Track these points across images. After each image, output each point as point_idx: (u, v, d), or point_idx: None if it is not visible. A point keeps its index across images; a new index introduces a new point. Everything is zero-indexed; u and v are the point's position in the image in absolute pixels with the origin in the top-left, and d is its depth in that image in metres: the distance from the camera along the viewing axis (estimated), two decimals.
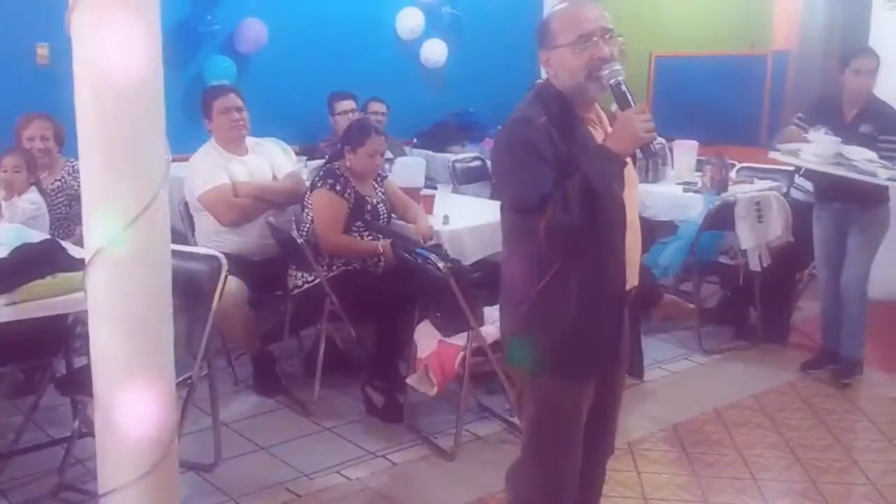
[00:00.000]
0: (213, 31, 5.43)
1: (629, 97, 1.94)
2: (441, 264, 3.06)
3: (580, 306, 1.97)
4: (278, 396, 3.73)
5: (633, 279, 2.09)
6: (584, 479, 2.19)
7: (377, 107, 5.51)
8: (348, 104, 5.37)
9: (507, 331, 2.16)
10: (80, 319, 2.83)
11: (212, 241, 3.77)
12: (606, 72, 1.94)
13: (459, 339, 3.16)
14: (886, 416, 3.60)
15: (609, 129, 2.06)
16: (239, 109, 3.88)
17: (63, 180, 4.00)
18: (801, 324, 4.64)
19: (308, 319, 3.91)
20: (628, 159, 2.02)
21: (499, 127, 6.32)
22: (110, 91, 2.20)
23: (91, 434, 2.92)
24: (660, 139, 5.13)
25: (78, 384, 2.67)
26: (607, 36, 1.97)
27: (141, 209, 2.25)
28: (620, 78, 1.94)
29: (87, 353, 3.05)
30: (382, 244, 3.61)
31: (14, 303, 2.47)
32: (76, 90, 2.24)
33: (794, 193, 4.49)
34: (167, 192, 2.36)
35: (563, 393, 2.05)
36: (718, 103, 6.93)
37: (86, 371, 2.62)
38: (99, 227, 2.27)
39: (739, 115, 7.24)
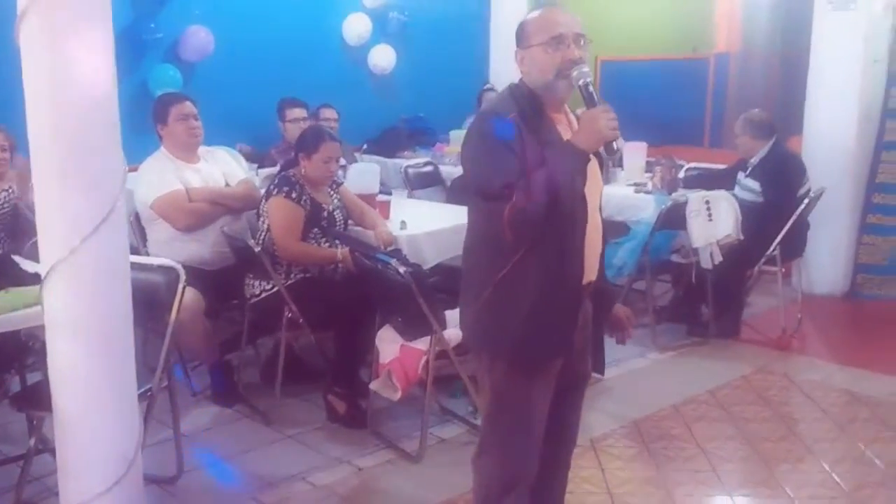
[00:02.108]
0: (156, 39, 5.34)
1: (595, 97, 2.05)
2: (402, 269, 3.06)
3: (538, 295, 2.05)
4: (237, 406, 3.69)
5: (591, 274, 2.17)
6: (548, 470, 2.27)
7: (329, 113, 5.48)
8: (299, 112, 5.33)
9: (467, 317, 2.22)
10: (34, 335, 2.76)
11: (165, 251, 3.70)
12: (575, 72, 2.04)
13: (422, 344, 3.17)
14: (838, 407, 3.71)
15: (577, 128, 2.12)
16: (195, 117, 3.85)
17: (11, 191, 3.89)
18: (751, 319, 4.75)
19: (266, 328, 3.88)
20: (594, 159, 2.10)
21: (450, 132, 6.33)
22: (65, 102, 2.16)
23: (47, 450, 2.86)
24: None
25: (35, 400, 2.61)
26: (579, 41, 2.09)
27: (99, 220, 2.21)
28: (588, 79, 2.05)
29: (42, 369, 2.99)
30: (342, 252, 3.60)
31: None
32: (28, 101, 2.19)
33: (741, 193, 4.61)
34: (125, 203, 2.33)
35: (519, 379, 2.14)
36: (663, 106, 7.08)
37: (42, 386, 2.56)
38: (56, 240, 2.23)
39: (683, 117, 7.42)
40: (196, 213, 3.75)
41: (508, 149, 2.00)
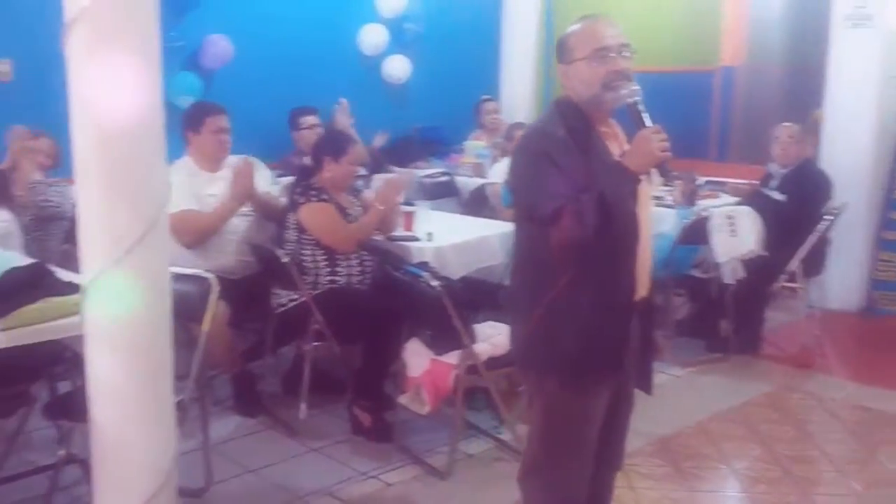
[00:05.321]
0: (178, 47, 5.33)
1: (645, 117, 2.03)
2: (434, 282, 3.05)
3: (590, 315, 2.04)
4: (260, 417, 3.67)
5: (642, 290, 2.16)
6: (593, 490, 2.24)
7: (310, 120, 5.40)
8: (313, 119, 5.35)
9: (517, 336, 2.20)
10: (67, 345, 2.74)
11: (188, 260, 3.68)
12: (625, 91, 2.02)
13: (452, 357, 3.15)
14: (864, 426, 3.69)
15: (624, 143, 2.13)
16: (228, 132, 3.85)
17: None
18: (770, 335, 4.73)
19: (289, 338, 3.86)
20: (644, 177, 2.06)
21: (465, 142, 6.33)
22: (110, 112, 2.15)
23: (76, 461, 2.84)
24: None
25: (68, 410, 2.58)
26: (624, 52, 2.06)
27: (143, 232, 2.20)
28: (638, 98, 2.03)
29: (71, 378, 2.97)
30: (377, 204, 3.68)
31: (4, 329, 2.37)
32: (73, 112, 2.18)
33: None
34: (167, 216, 2.32)
35: (571, 399, 2.11)
36: (669, 118, 7.05)
37: (74, 396, 2.54)
38: (98, 252, 2.21)
39: (689, 130, 7.40)
40: (199, 232, 3.71)
41: (558, 170, 1.98)
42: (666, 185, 4.96)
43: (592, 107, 2.07)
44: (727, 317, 4.58)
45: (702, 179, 5.30)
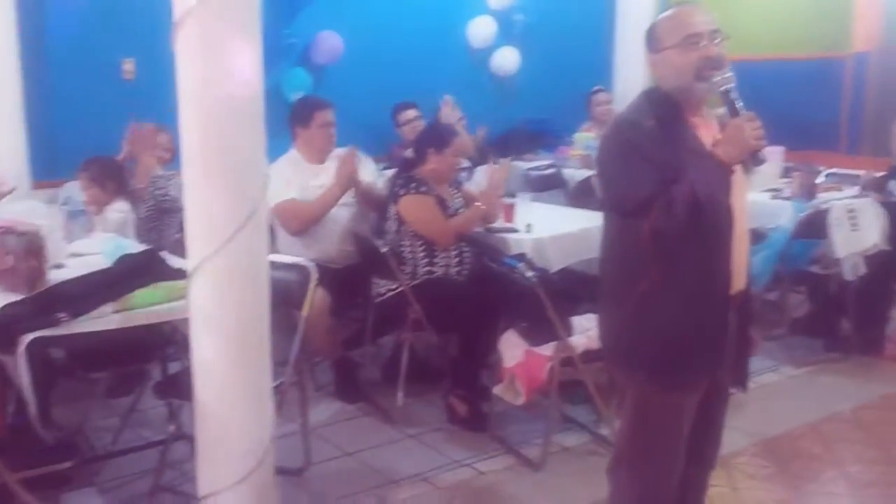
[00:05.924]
0: (290, 44, 5.51)
1: (739, 105, 1.97)
2: (528, 273, 3.03)
3: (683, 309, 2.00)
4: (359, 403, 3.75)
5: (739, 283, 2.08)
6: (685, 488, 2.20)
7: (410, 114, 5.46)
8: (412, 113, 5.41)
9: (607, 331, 2.17)
10: (177, 326, 2.89)
11: (293, 248, 3.81)
12: (718, 78, 1.96)
13: (547, 349, 3.13)
14: None
15: (717, 133, 2.05)
16: (334, 125, 3.95)
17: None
18: (894, 335, 4.45)
19: (389, 327, 3.93)
20: (738, 166, 2.00)
21: (574, 134, 6.22)
22: (215, 108, 2.25)
23: (185, 437, 2.99)
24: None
25: (176, 389, 2.73)
26: (715, 38, 2.00)
27: (243, 221, 2.29)
28: (731, 85, 1.97)
29: (181, 359, 3.14)
30: (481, 204, 3.68)
31: (118, 311, 2.53)
32: (181, 106, 2.29)
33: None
34: (266, 205, 2.41)
35: (662, 394, 2.06)
36: (795, 108, 6.72)
37: (182, 376, 2.68)
38: (202, 239, 2.32)
39: (817, 120, 7.04)
40: (304, 220, 3.83)
41: (647, 160, 1.93)
42: (784, 177, 4.83)
43: (684, 96, 2.01)
44: (848, 315, 4.34)
45: (823, 171, 5.04)
